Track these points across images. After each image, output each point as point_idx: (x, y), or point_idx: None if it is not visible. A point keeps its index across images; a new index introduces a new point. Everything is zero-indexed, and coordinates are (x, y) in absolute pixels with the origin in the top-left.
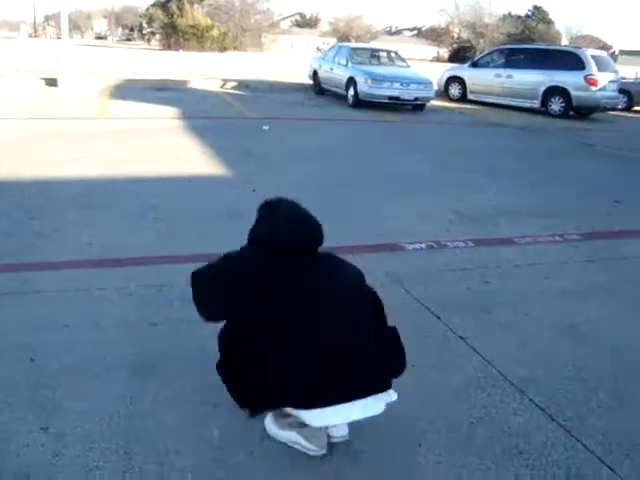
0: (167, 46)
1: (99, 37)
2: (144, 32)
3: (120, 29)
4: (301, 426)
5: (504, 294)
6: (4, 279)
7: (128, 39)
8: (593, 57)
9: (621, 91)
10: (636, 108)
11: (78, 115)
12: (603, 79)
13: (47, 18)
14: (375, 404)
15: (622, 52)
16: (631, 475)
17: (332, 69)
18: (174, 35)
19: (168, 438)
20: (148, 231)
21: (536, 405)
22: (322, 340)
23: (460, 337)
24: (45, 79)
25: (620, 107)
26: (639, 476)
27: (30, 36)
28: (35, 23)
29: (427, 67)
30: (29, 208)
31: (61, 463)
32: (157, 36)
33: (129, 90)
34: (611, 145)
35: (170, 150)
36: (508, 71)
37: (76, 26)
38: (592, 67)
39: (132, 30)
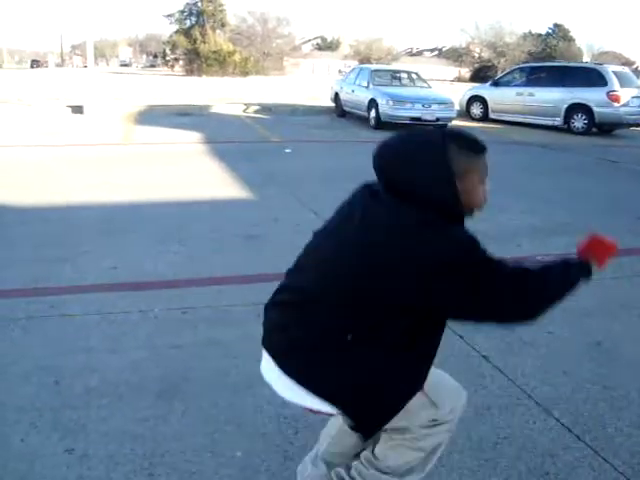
0: (190, 72)
1: (124, 64)
2: (168, 58)
3: (144, 56)
4: None
5: None
6: (31, 303)
7: (152, 66)
8: (615, 73)
9: None
10: None
11: (103, 141)
12: (626, 95)
13: (74, 48)
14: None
15: None
16: None
17: (353, 91)
18: (197, 61)
19: (191, 459)
20: (171, 255)
21: (562, 425)
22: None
23: (484, 356)
24: (71, 106)
25: None
26: None
27: (57, 65)
28: (62, 53)
29: (449, 87)
30: (55, 233)
31: None
32: (180, 62)
33: (153, 116)
34: (634, 161)
35: (193, 174)
36: (530, 89)
37: (102, 54)
38: (614, 83)
39: (156, 57)
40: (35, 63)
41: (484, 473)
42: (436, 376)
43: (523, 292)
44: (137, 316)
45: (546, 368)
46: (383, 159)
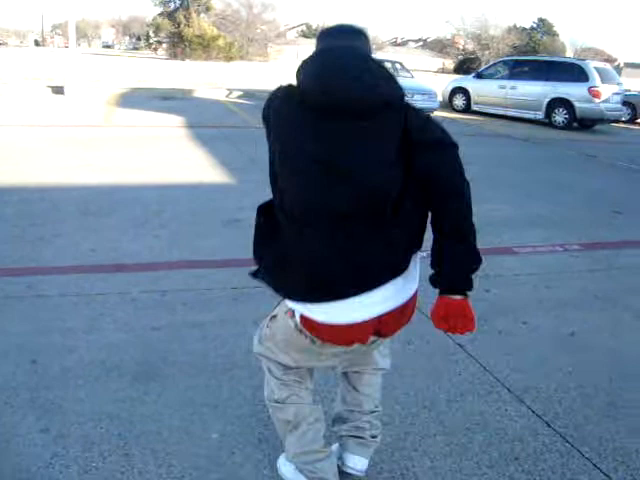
0: (173, 55)
1: (106, 46)
2: (151, 41)
3: (127, 38)
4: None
5: (504, 303)
6: (8, 283)
7: (135, 48)
8: (597, 69)
9: (625, 103)
10: None
11: (84, 123)
12: (607, 91)
13: (55, 27)
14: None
15: (627, 65)
16: None
17: None
18: (180, 44)
19: (167, 440)
20: (151, 238)
21: (533, 412)
22: None
23: (458, 344)
24: (52, 87)
25: (624, 119)
26: None
27: (37, 44)
28: (43, 32)
29: (432, 78)
30: (33, 214)
31: (60, 464)
32: (164, 45)
33: (135, 98)
34: (613, 157)
35: (174, 158)
36: (512, 82)
37: (83, 35)
38: (596, 79)
39: (139, 39)
40: (37, 43)
41: (456, 458)
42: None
43: None
44: (115, 298)
45: (520, 357)
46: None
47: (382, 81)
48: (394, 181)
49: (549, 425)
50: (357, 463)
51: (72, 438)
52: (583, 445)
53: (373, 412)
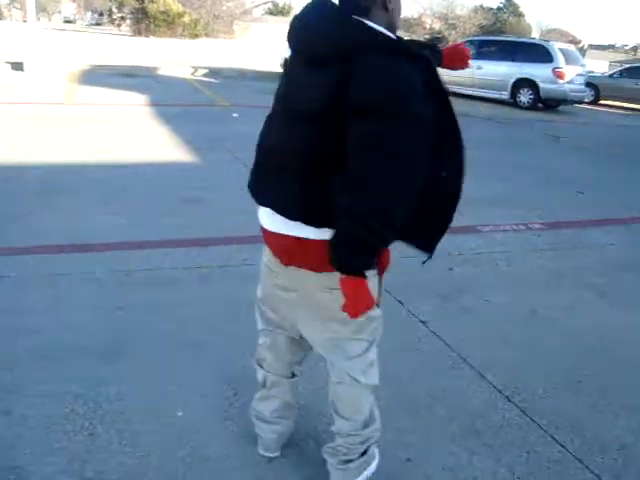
0: (137, 32)
1: (67, 21)
2: (114, 17)
3: (89, 13)
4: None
5: (466, 280)
6: None
7: (97, 24)
8: (561, 50)
9: (588, 85)
10: (602, 102)
11: (45, 100)
12: (571, 72)
13: (12, 0)
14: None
15: (591, 46)
16: (580, 451)
17: None
18: (145, 21)
19: (132, 419)
20: (115, 217)
21: (494, 387)
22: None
23: (422, 321)
24: (11, 63)
25: (587, 100)
26: (588, 452)
27: None
28: None
29: None
30: None
31: (24, 445)
32: (127, 21)
33: (97, 76)
34: (577, 137)
35: (137, 137)
36: (478, 62)
37: (43, 9)
38: (560, 60)
39: (102, 15)
40: None
41: (418, 432)
42: None
43: None
44: (79, 278)
45: (482, 334)
46: None
47: (337, 28)
48: (305, 141)
49: (509, 400)
50: None
51: (36, 419)
52: (542, 418)
53: (350, 435)
